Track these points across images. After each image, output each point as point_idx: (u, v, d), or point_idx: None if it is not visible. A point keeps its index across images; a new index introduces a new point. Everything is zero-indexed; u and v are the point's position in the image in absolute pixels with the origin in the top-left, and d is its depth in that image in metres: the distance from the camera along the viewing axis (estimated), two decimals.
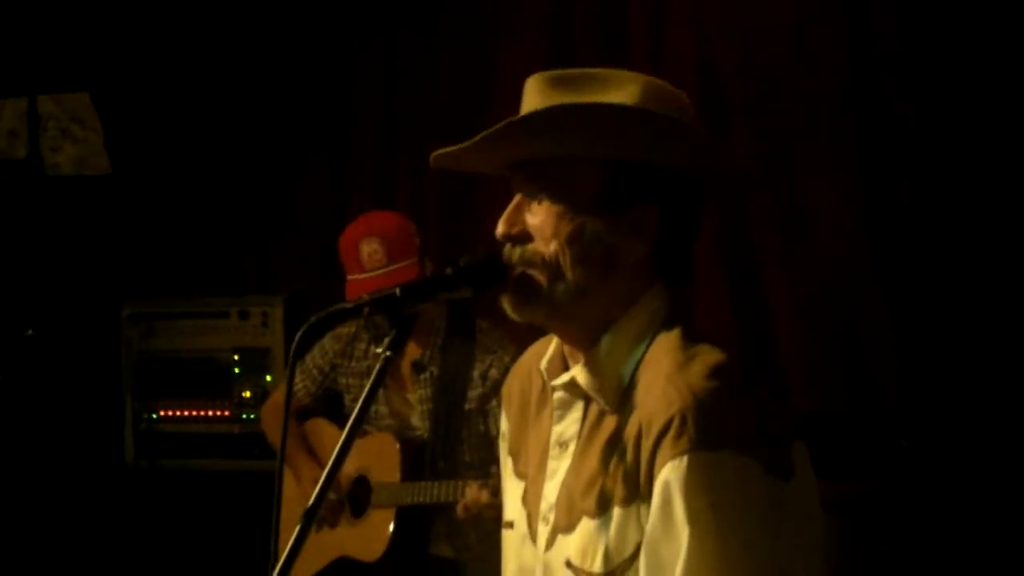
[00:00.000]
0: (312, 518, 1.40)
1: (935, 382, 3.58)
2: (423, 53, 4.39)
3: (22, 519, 4.28)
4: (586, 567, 1.50)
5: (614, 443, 1.51)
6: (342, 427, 3.49)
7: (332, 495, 3.39)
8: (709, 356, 1.49)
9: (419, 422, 3.41)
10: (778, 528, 1.41)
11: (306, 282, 4.44)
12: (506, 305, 1.57)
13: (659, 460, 1.42)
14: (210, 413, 4.38)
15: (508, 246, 1.57)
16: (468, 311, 3.42)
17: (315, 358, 3.52)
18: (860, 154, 3.68)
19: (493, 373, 3.30)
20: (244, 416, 4.33)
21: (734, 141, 3.67)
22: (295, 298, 4.35)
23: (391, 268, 3.22)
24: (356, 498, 3.41)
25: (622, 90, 1.52)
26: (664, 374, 1.48)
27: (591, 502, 1.51)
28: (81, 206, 4.58)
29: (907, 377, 3.64)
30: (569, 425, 1.60)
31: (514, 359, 3.19)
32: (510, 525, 1.71)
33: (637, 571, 1.46)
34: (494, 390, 3.29)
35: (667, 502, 1.40)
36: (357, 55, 4.52)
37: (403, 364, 3.39)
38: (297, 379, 3.56)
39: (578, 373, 1.57)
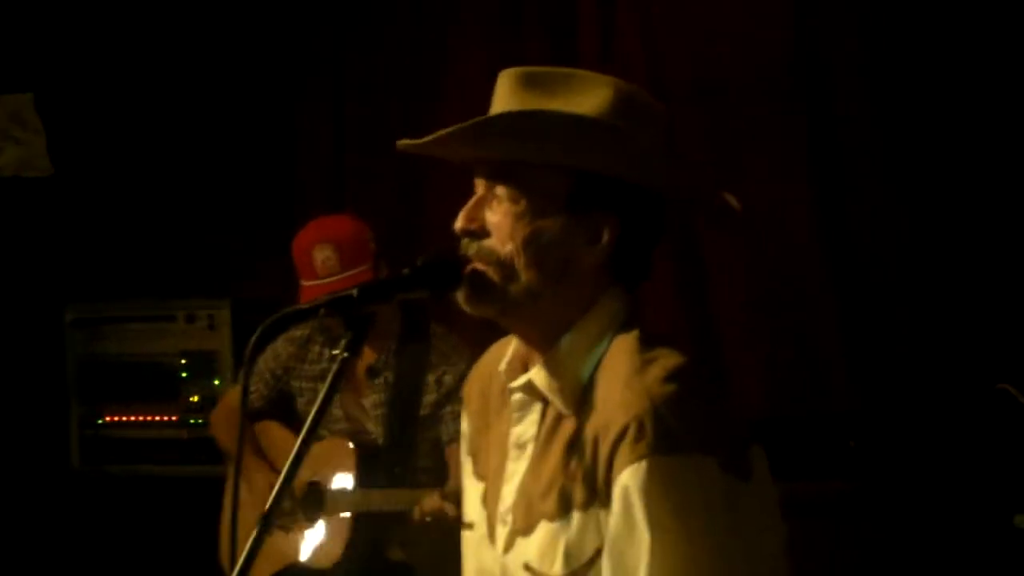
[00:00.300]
0: (268, 522, 1.39)
1: (883, 383, 3.62)
2: (372, 49, 4.36)
3: None
4: (544, 570, 1.50)
5: (573, 445, 1.50)
6: (294, 430, 3.49)
7: (286, 501, 3.36)
8: (668, 359, 1.49)
9: (374, 427, 3.39)
10: (740, 528, 1.42)
11: (254, 285, 4.40)
12: (460, 298, 1.56)
13: (617, 465, 1.42)
14: (157, 418, 4.31)
15: (465, 240, 1.56)
16: (422, 316, 3.40)
17: (267, 361, 3.47)
18: (809, 155, 3.71)
19: (448, 380, 3.29)
20: (192, 421, 4.27)
21: (681, 143, 3.67)
22: (242, 301, 4.30)
23: (344, 275, 3.18)
24: (310, 503, 3.38)
25: (593, 94, 1.52)
26: (621, 378, 1.48)
27: (550, 505, 1.50)
28: (23, 208, 4.50)
29: (855, 378, 3.67)
30: (527, 427, 1.59)
31: (469, 365, 3.18)
32: (470, 526, 1.70)
33: (596, 575, 1.45)
34: (447, 397, 3.29)
35: (628, 507, 1.40)
36: (305, 52, 4.49)
37: (358, 369, 3.37)
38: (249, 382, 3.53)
39: (536, 375, 1.56)
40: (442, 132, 1.52)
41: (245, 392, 1.48)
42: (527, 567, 1.52)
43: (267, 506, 1.40)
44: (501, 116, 1.49)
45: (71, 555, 4.29)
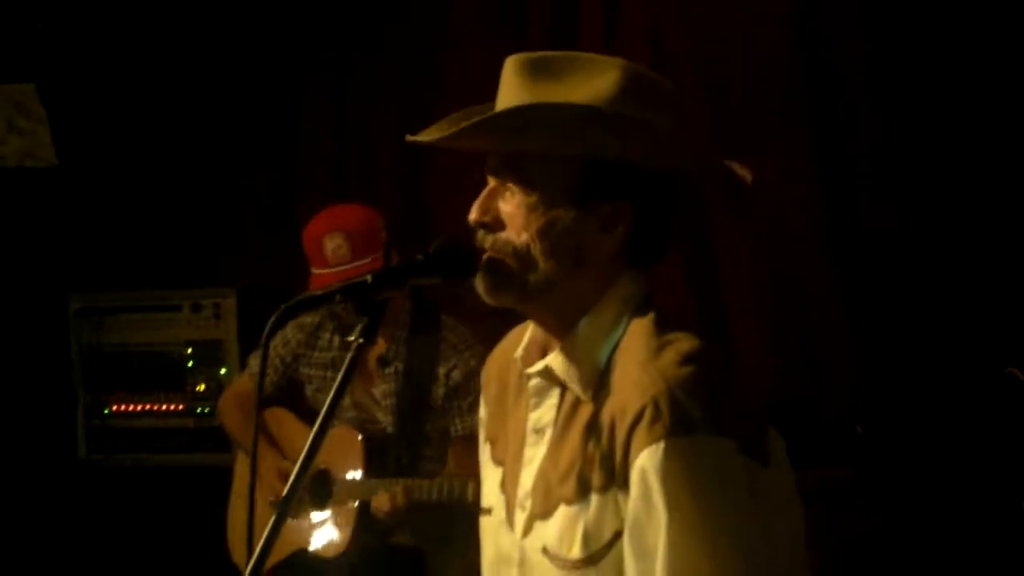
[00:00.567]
0: (287, 507, 1.39)
1: (890, 368, 3.62)
2: (373, 36, 4.36)
3: None
4: (563, 554, 1.50)
5: (591, 429, 1.50)
6: (301, 417, 3.50)
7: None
8: (683, 342, 1.49)
9: (383, 416, 3.39)
10: (758, 510, 1.42)
11: (259, 273, 4.40)
12: (479, 287, 1.56)
13: (634, 447, 1.42)
14: (164, 407, 4.31)
15: (481, 232, 1.55)
16: (433, 306, 3.40)
17: (277, 348, 3.47)
18: (811, 133, 3.71)
19: (456, 375, 3.30)
20: (198, 410, 4.26)
21: (686, 123, 3.66)
22: (248, 289, 4.30)
23: (356, 264, 3.18)
24: (317, 491, 3.38)
25: (601, 78, 1.51)
26: (638, 361, 1.48)
27: (568, 489, 1.51)
28: (27, 198, 4.50)
29: (862, 363, 3.68)
30: (545, 412, 1.59)
31: (480, 360, 3.21)
32: (488, 512, 1.70)
33: (615, 557, 1.46)
34: (455, 392, 3.29)
35: (646, 490, 1.40)
36: (307, 43, 4.48)
37: (369, 358, 3.37)
38: (258, 369, 3.53)
39: (553, 360, 1.56)
40: (451, 130, 1.52)
41: (262, 375, 1.48)
42: (545, 551, 1.53)
43: (284, 493, 1.40)
44: (510, 112, 1.48)
45: (79, 545, 4.29)
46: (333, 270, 3.20)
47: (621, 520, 1.44)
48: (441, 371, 3.32)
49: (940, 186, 3.55)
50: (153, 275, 4.49)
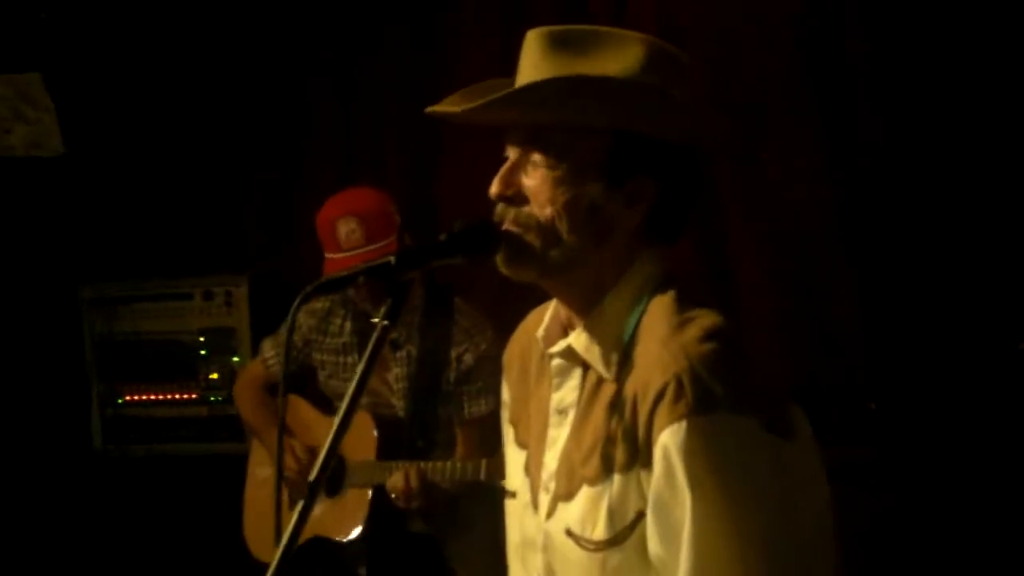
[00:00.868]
0: (316, 492, 1.39)
1: (904, 345, 3.61)
2: (377, 46, 4.35)
3: None
4: (586, 535, 1.50)
5: (613, 408, 1.50)
6: (313, 403, 3.50)
7: (306, 473, 3.36)
8: (705, 319, 1.48)
9: (396, 400, 3.39)
10: (781, 487, 1.41)
11: (270, 260, 4.39)
12: (500, 261, 1.54)
13: (657, 425, 1.41)
14: (177, 396, 4.31)
15: (501, 206, 1.54)
16: (445, 290, 3.39)
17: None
18: (821, 112, 3.69)
19: (467, 359, 3.29)
20: (212, 399, 4.27)
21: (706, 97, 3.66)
22: (260, 276, 4.30)
23: (369, 248, 3.16)
24: (331, 476, 3.38)
25: (626, 52, 1.50)
26: (659, 338, 1.47)
27: (591, 469, 1.50)
28: (36, 188, 4.49)
29: (875, 340, 3.67)
30: (568, 392, 1.59)
31: (491, 344, 3.22)
32: (512, 495, 1.69)
33: (638, 538, 1.45)
34: (466, 376, 3.29)
35: (669, 468, 1.40)
36: (313, 28, 4.47)
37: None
38: (272, 354, 3.53)
39: (575, 339, 1.56)
40: (481, 100, 1.50)
41: (287, 356, 1.47)
42: (569, 532, 1.52)
43: (313, 474, 1.40)
44: (546, 83, 1.46)
45: (94, 535, 4.30)
46: (347, 254, 3.19)
47: (644, 499, 1.44)
48: (453, 355, 3.32)
49: (953, 161, 3.54)
50: (164, 264, 4.49)
